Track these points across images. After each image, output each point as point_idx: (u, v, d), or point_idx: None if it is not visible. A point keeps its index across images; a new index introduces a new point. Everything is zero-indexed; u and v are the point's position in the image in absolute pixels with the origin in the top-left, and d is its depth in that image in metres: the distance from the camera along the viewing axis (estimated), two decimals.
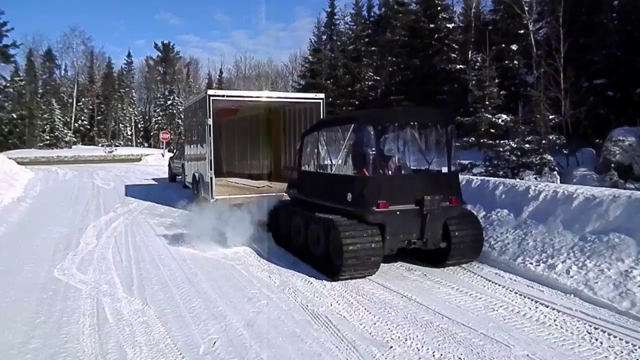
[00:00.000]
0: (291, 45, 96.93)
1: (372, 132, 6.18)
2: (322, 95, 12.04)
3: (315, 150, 7.42)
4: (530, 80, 18.19)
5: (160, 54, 61.22)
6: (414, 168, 6.98)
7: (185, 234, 8.51)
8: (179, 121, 48.67)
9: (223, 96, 11.55)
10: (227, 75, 65.51)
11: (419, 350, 4.23)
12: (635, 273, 5.55)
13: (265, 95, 14.38)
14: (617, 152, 12.18)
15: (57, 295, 5.66)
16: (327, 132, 7.35)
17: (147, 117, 61.36)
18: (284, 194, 8.85)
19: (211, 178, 10.75)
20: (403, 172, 6.71)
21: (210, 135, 10.80)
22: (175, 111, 51.33)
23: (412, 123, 6.58)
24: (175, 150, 22.56)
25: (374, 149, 6.22)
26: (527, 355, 4.14)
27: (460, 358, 4.08)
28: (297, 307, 5.25)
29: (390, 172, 6.49)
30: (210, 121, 10.73)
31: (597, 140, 14.22)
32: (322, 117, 11.71)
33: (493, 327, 4.70)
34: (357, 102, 28.55)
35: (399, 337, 4.47)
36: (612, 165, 12.07)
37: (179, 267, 6.79)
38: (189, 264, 6.96)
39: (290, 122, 14.18)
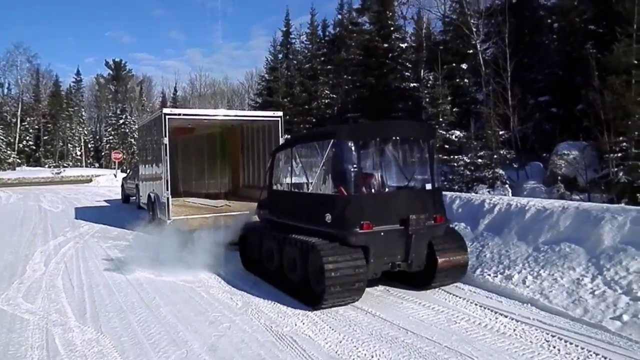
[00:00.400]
0: (247, 63, 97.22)
1: (353, 147, 5.76)
2: (280, 114, 12.04)
3: (289, 168, 6.94)
4: (480, 98, 18.97)
5: (111, 72, 59.70)
6: (397, 185, 6.54)
7: (141, 257, 8.18)
8: (132, 140, 47.37)
9: (179, 115, 11.34)
10: (181, 93, 64.65)
11: None
12: (586, 281, 5.80)
13: (222, 113, 14.24)
14: (563, 165, 12.83)
15: (1, 327, 5.29)
16: (302, 148, 6.88)
17: (97, 137, 59.37)
18: (254, 215, 8.31)
19: (168, 198, 10.45)
20: (386, 189, 6.35)
21: (166, 155, 10.54)
22: (127, 130, 49.95)
23: (394, 137, 6.24)
24: (128, 171, 21.87)
25: (355, 165, 5.82)
26: None
27: None
28: (261, 329, 5.13)
29: (373, 190, 6.09)
30: (166, 140, 10.49)
31: (544, 154, 14.94)
32: (280, 135, 11.71)
33: (456, 339, 4.76)
34: (314, 120, 28.77)
35: (365, 355, 4.44)
36: (559, 177, 12.68)
37: (136, 292, 6.52)
38: (146, 288, 6.69)
39: (249, 140, 14.09)
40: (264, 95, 32.95)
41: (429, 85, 20.96)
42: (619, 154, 10.50)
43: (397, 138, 6.25)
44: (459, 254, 6.31)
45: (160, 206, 11.14)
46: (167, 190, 10.51)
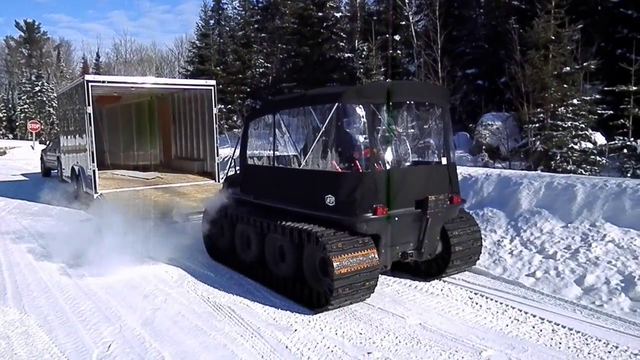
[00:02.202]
0: (177, 29, 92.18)
1: (363, 113, 4.74)
2: (214, 82, 11.66)
3: (271, 139, 5.78)
4: (412, 70, 19.46)
5: (23, 34, 54.52)
6: (411, 160, 5.56)
7: (63, 233, 7.71)
8: (51, 109, 44.01)
9: (103, 82, 10.66)
10: (105, 59, 60.59)
11: (322, 330, 4.36)
12: (505, 242, 6.29)
13: (150, 81, 13.53)
14: (487, 135, 13.58)
15: None
16: (289, 114, 5.77)
17: (10, 106, 54.46)
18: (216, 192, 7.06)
19: (94, 171, 9.91)
20: (400, 164, 5.33)
21: (90, 125, 9.92)
22: (45, 98, 46.26)
23: (408, 101, 5.32)
24: (48, 142, 20.40)
25: (365, 135, 4.82)
26: (420, 323, 4.48)
27: (361, 333, 4.29)
28: (197, 300, 5.10)
29: (385, 166, 5.08)
30: (89, 109, 9.85)
31: (471, 125, 15.71)
32: (214, 104, 11.37)
33: (389, 301, 5.01)
34: (248, 90, 28.18)
35: (302, 320, 4.56)
36: (483, 147, 13.43)
37: (61, 269, 6.20)
38: (72, 264, 6.37)
39: (180, 110, 13.57)
40: (195, 63, 31.65)
41: (362, 55, 21.16)
42: (537, 125, 11.26)
43: (412, 102, 5.35)
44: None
45: (86, 179, 10.56)
46: (93, 162, 9.95)
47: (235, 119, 26.09)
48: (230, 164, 6.93)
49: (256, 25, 31.83)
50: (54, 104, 41.98)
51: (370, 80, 15.13)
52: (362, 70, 16.89)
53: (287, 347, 4.05)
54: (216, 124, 11.54)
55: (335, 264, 4.38)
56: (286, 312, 4.78)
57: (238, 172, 6.65)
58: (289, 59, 25.39)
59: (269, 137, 5.91)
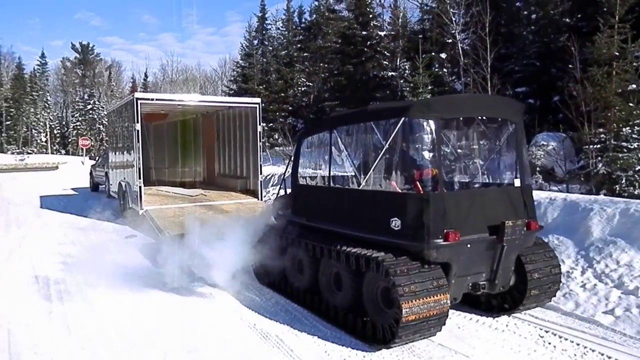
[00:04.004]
0: (221, 49, 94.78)
1: (432, 128, 4.32)
2: (259, 100, 11.62)
3: (327, 157, 5.44)
4: (458, 88, 18.94)
5: (78, 56, 57.44)
6: (482, 181, 5.19)
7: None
8: (101, 126, 45.81)
9: (152, 99, 10.82)
10: (152, 79, 62.84)
11: None
12: (576, 274, 5.71)
13: (197, 99, 13.71)
14: (541, 156, 12.87)
15: None
16: (348, 130, 5.38)
17: (64, 123, 57.16)
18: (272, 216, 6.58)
19: (140, 187, 9.96)
20: (472, 186, 5.00)
21: (138, 141, 10.02)
22: (96, 116, 48.28)
23: (480, 116, 4.88)
24: (97, 158, 21.02)
25: (435, 153, 4.43)
26: None
27: None
28: (244, 328, 4.82)
29: (456, 187, 4.80)
30: (138, 126, 9.96)
31: None
32: (258, 122, 11.28)
33: (450, 336, 4.59)
34: (290, 108, 28.31)
35: (356, 356, 4.20)
36: (537, 168, 12.71)
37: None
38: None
39: (225, 128, 13.61)
40: (238, 82, 32.22)
41: (405, 75, 20.81)
42: (598, 146, 10.55)
43: (484, 117, 4.91)
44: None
45: (132, 195, 10.64)
46: (140, 178, 10.01)
47: (276, 137, 26.19)
48: (281, 184, 6.59)
49: (299, 45, 32.15)
50: (104, 122, 43.71)
51: (417, 99, 14.76)
52: (408, 88, 16.56)
53: None
54: (260, 141, 11.46)
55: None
56: (338, 347, 4.41)
57: (289, 192, 6.26)
58: (331, 77, 25.38)
59: (324, 156, 5.58)
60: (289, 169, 6.11)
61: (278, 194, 6.63)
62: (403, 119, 4.43)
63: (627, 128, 10.01)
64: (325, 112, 26.11)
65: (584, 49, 11.19)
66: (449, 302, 4.22)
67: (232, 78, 36.05)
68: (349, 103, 22.26)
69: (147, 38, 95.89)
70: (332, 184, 5.48)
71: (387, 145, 4.60)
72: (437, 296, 4.10)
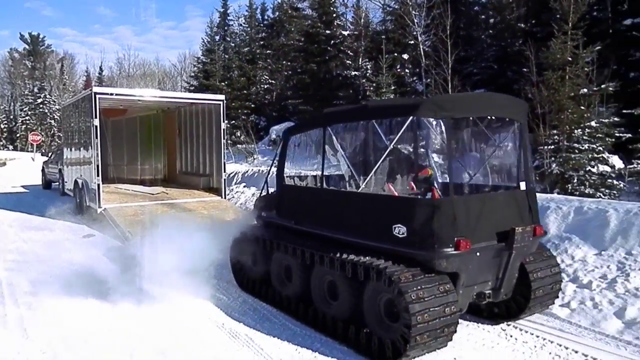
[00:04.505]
0: (181, 44, 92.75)
1: (442, 129, 4.03)
2: (223, 97, 11.49)
3: (318, 157, 5.09)
4: (420, 89, 19.32)
5: (27, 47, 54.70)
6: (488, 184, 4.92)
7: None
8: (53, 121, 43.87)
9: (111, 94, 10.48)
10: (108, 73, 60.59)
11: None
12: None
13: (158, 94, 13.38)
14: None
15: None
16: (345, 129, 5.06)
17: (11, 117, 54.31)
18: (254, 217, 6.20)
19: (98, 185, 9.63)
20: (482, 190, 4.74)
21: (96, 137, 9.67)
22: (47, 110, 46.10)
23: (489, 116, 4.58)
24: (50, 154, 20.11)
25: (445, 154, 4.19)
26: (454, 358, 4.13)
27: None
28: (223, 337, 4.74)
29: (465, 192, 4.52)
30: (96, 121, 9.62)
31: (481, 145, 15.46)
32: (222, 119, 11.12)
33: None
34: (252, 105, 28.04)
35: None
36: (495, 168, 13.16)
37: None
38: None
39: (187, 124, 13.37)
40: (199, 78, 31.55)
41: (367, 74, 21.04)
42: (552, 147, 11.02)
43: (493, 117, 4.60)
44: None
45: (90, 193, 10.27)
46: (98, 176, 9.68)
47: (238, 134, 25.88)
48: (264, 184, 6.20)
49: (262, 42, 31.90)
50: (56, 116, 41.88)
51: (380, 99, 14.96)
52: (372, 88, 16.74)
53: None
54: (224, 139, 11.32)
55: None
56: (309, 344, 4.40)
57: (273, 193, 5.90)
58: (294, 75, 25.31)
59: (315, 155, 5.27)
60: (274, 169, 5.78)
61: (261, 193, 6.29)
62: (411, 117, 4.11)
63: (579, 130, 10.51)
64: (288, 110, 26.06)
65: (539, 54, 11.66)
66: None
67: (193, 74, 35.30)
68: (312, 101, 22.28)
69: (102, 30, 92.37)
70: (325, 185, 5.15)
71: (391, 146, 4.34)
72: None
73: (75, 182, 11.81)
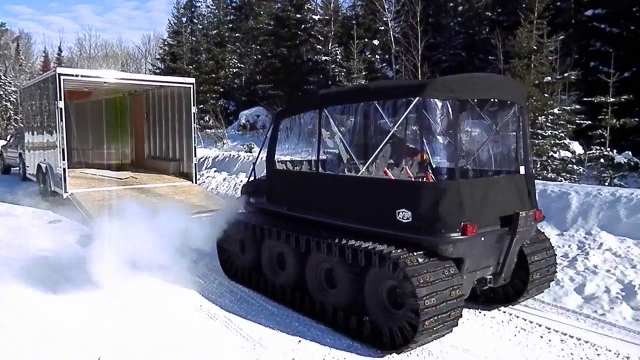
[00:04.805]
0: (144, 25, 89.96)
1: (449, 111, 3.95)
2: (193, 80, 11.31)
3: (314, 140, 4.91)
4: (390, 75, 19.50)
5: None
6: (490, 168, 4.84)
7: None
8: (8, 104, 41.93)
9: (76, 75, 10.11)
10: (67, 54, 58.27)
11: None
12: None
13: (126, 77, 13.02)
14: (466, 142, 13.67)
15: None
16: (344, 110, 4.87)
17: None
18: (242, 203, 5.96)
19: (64, 169, 9.36)
20: (486, 174, 4.64)
21: (61, 120, 9.37)
22: (2, 92, 44.01)
23: (492, 98, 4.46)
24: (9, 138, 19.30)
25: (451, 137, 4.08)
26: None
27: None
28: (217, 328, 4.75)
29: (470, 176, 4.43)
30: (61, 104, 9.31)
31: (450, 131, 15.78)
32: (192, 103, 10.95)
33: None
34: (221, 89, 27.62)
35: None
36: (462, 153, 13.49)
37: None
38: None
39: (155, 108, 13.09)
40: (166, 60, 30.81)
41: (337, 60, 21.07)
42: None
43: (496, 99, 4.47)
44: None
45: (55, 178, 9.97)
46: (63, 160, 9.40)
47: (207, 119, 25.48)
48: (252, 169, 5.91)
49: (230, 25, 31.31)
50: (12, 99, 40.06)
51: (351, 84, 15.03)
52: (343, 73, 16.79)
53: None
54: (194, 123, 11.17)
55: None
56: (288, 322, 4.48)
57: (262, 178, 5.69)
58: (264, 59, 25.05)
59: (309, 139, 5.09)
60: (263, 153, 5.57)
61: (249, 179, 6.05)
62: (417, 98, 3.96)
63: (542, 117, 10.88)
64: (258, 95, 25.80)
65: (506, 42, 11.97)
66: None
67: (160, 56, 34.39)
68: (283, 86, 22.16)
69: (60, 9, 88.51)
70: (321, 170, 4.95)
71: (395, 128, 4.21)
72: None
73: (39, 166, 11.43)
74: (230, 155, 14.13)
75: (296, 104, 5.62)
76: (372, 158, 4.39)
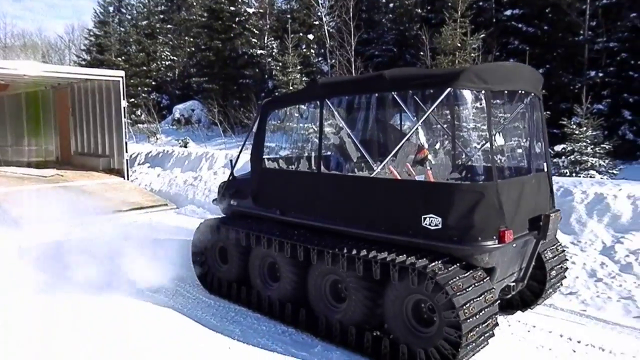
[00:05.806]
0: (67, 14, 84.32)
1: (484, 103, 3.46)
2: (122, 73, 10.95)
3: (311, 136, 4.45)
4: (325, 69, 19.78)
5: None
6: (522, 167, 4.30)
7: None
8: None
9: None
10: None
11: None
12: None
13: (49, 69, 12.30)
14: None
15: None
16: (352, 102, 4.26)
17: None
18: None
19: None
20: (519, 173, 4.12)
21: None
22: None
23: (521, 90, 3.97)
24: None
25: (485, 134, 3.64)
26: None
27: None
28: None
29: (506, 175, 3.97)
30: None
31: None
32: (122, 97, 10.60)
33: None
34: (153, 83, 26.74)
35: None
36: None
37: None
38: None
39: (81, 102, 12.55)
40: (92, 52, 29.33)
41: (273, 54, 21.08)
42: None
43: (523, 91, 3.99)
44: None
45: None
46: None
47: (139, 113, 24.59)
48: (233, 168, 5.10)
49: (162, 16, 30.31)
50: None
51: (287, 78, 15.11)
52: (278, 67, 16.83)
53: None
54: (124, 118, 10.84)
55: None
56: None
57: (243, 178, 5.03)
58: (198, 52, 24.50)
59: (305, 133, 4.55)
60: (245, 150, 4.90)
61: (229, 179, 5.19)
62: (449, 89, 3.43)
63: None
64: (192, 89, 25.21)
65: (433, 39, 12.56)
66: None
67: (85, 47, 32.63)
68: (218, 80, 21.83)
69: None
70: (323, 170, 4.28)
71: (420, 123, 3.68)
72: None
73: None
74: (164, 150, 13.74)
75: (289, 93, 5.10)
76: (390, 155, 3.83)
